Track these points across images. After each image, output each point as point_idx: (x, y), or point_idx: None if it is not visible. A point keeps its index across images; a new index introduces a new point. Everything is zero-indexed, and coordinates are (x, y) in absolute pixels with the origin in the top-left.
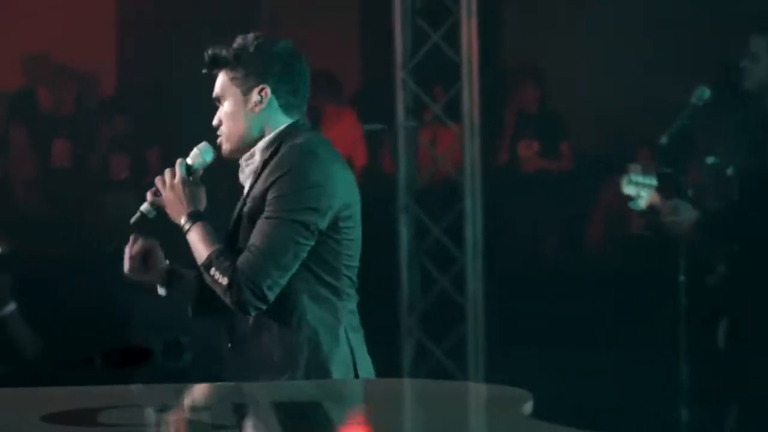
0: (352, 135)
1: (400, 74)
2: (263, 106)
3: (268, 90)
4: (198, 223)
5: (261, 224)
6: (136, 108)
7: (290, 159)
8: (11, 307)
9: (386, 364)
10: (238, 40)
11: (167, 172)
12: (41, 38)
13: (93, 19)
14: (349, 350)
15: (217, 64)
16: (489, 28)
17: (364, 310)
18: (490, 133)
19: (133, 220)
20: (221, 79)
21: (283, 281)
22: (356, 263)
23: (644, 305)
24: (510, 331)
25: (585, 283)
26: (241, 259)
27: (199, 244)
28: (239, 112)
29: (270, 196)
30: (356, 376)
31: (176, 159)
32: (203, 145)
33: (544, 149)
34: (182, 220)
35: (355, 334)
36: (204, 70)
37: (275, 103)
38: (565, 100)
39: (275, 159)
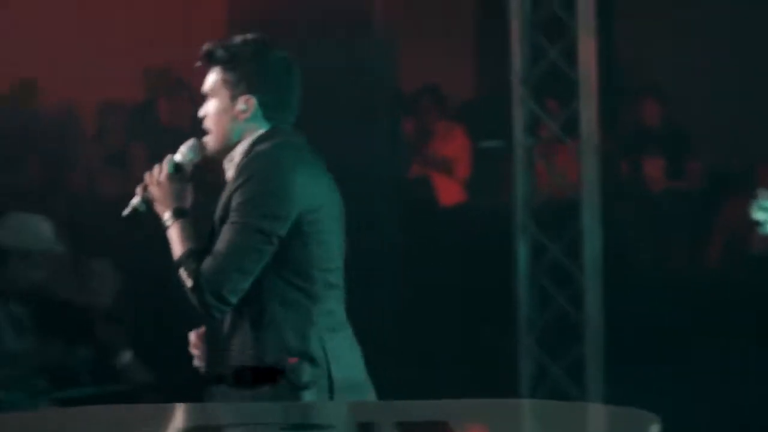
0: (464, 151)
1: (517, 90)
2: (247, 115)
3: (253, 101)
4: (178, 221)
5: (225, 229)
6: None
7: (252, 166)
8: (128, 356)
9: (504, 383)
10: (236, 41)
11: (156, 167)
12: (162, 52)
13: (207, 32)
14: (322, 353)
15: (211, 60)
16: (607, 43)
17: (482, 328)
18: (609, 150)
19: (125, 213)
20: (213, 77)
21: (245, 285)
22: (335, 264)
23: None
24: (629, 350)
25: (705, 302)
26: (205, 264)
27: (175, 243)
28: (224, 115)
29: (233, 202)
30: (329, 378)
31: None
32: (191, 141)
33: (665, 167)
34: (165, 216)
35: (332, 335)
36: (197, 63)
37: (260, 113)
38: (685, 116)
39: (239, 165)
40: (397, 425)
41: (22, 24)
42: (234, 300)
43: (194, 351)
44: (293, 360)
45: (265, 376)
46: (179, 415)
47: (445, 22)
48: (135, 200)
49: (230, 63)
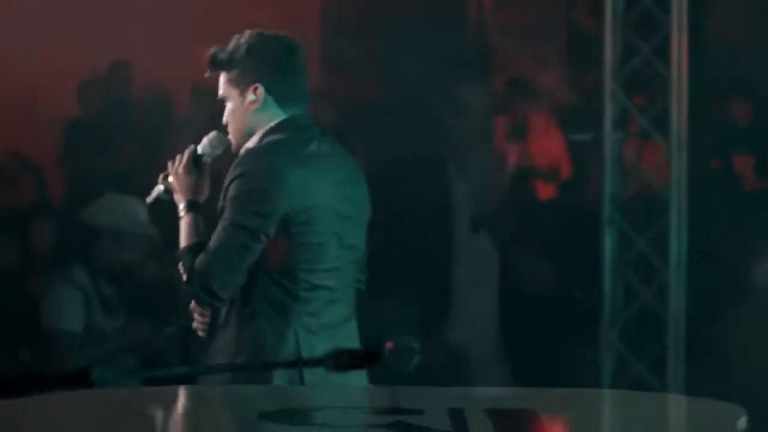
0: (557, 145)
1: (609, 86)
2: (258, 105)
3: (261, 89)
4: (189, 214)
5: (218, 225)
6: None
7: (243, 162)
8: None
9: (586, 376)
10: (233, 41)
11: (177, 157)
12: None
13: (300, 24)
14: (297, 353)
15: (215, 65)
16: (698, 39)
17: (565, 319)
18: (698, 147)
19: (148, 200)
20: (222, 80)
21: (237, 281)
22: (329, 265)
23: None
24: (711, 347)
25: None
26: (198, 259)
27: (182, 235)
28: (238, 111)
29: (227, 197)
30: (301, 379)
31: None
32: (213, 134)
33: (757, 164)
34: (179, 207)
35: (310, 337)
36: (206, 73)
37: (270, 100)
38: None
39: (237, 159)
40: (485, 411)
41: (116, 5)
42: (225, 295)
43: (197, 317)
44: (390, 345)
45: (364, 360)
46: (273, 396)
47: (538, 18)
48: (157, 188)
49: (230, 62)
